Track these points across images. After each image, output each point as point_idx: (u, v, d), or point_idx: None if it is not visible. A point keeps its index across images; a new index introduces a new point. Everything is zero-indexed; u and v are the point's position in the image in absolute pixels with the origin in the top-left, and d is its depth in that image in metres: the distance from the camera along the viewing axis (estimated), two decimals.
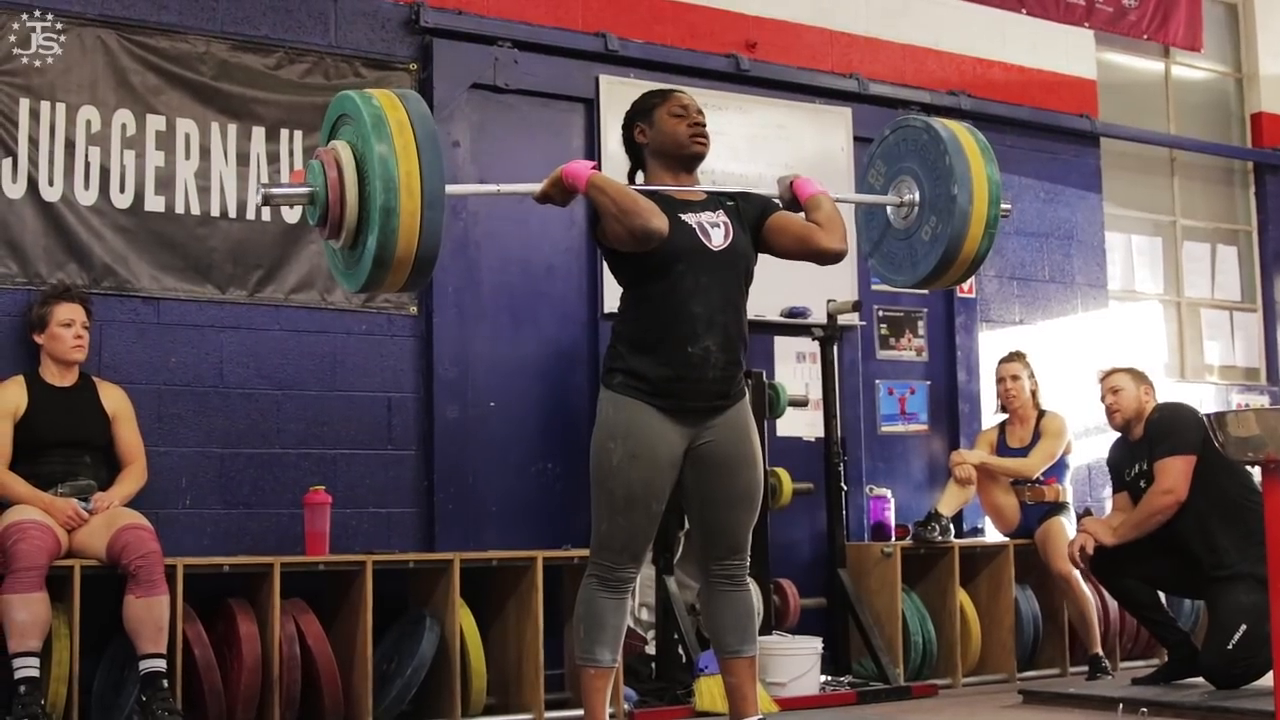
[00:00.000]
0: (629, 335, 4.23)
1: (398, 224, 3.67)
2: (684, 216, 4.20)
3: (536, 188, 4.17)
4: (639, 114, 4.37)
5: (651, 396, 4.15)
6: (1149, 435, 6.18)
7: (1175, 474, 5.97)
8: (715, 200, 4.33)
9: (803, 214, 4.36)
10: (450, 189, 3.83)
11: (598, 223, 4.16)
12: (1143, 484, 6.16)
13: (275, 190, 3.93)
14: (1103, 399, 6.39)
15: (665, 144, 4.30)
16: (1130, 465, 6.29)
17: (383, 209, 3.65)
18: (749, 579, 4.42)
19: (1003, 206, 4.56)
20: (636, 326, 4.22)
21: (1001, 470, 7.08)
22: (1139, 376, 6.38)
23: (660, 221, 4.03)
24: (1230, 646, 5.69)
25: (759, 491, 4.35)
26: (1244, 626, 5.65)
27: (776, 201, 4.42)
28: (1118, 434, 6.44)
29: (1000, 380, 7.25)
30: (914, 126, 4.69)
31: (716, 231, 4.24)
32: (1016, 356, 7.25)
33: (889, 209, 4.75)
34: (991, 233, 4.53)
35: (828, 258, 4.31)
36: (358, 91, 3.82)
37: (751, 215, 4.34)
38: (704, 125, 4.31)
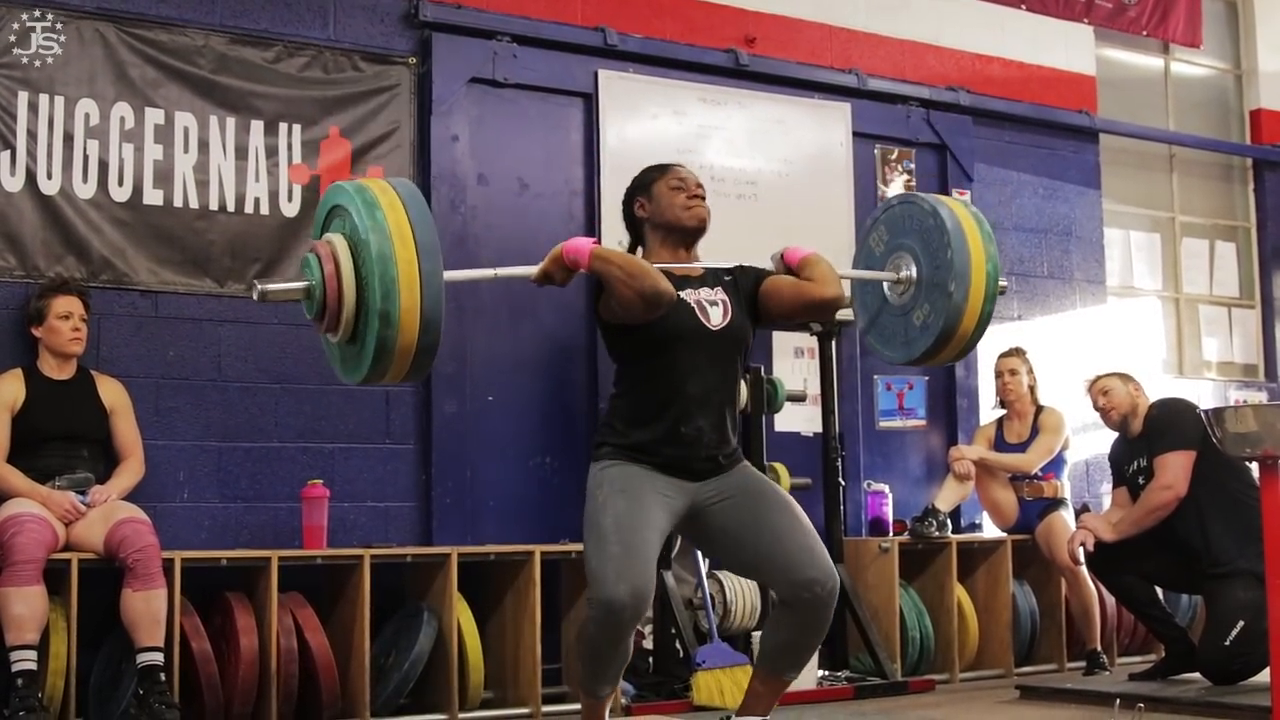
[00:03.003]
0: (623, 412, 4.17)
1: (397, 324, 3.59)
2: (683, 294, 4.14)
3: (534, 270, 4.07)
4: (639, 188, 4.32)
5: (641, 454, 4.07)
6: (1148, 431, 6.19)
7: (1175, 469, 5.97)
8: (714, 275, 4.27)
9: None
10: (448, 275, 3.73)
11: (600, 297, 4.09)
12: (1142, 480, 6.17)
13: (271, 287, 3.80)
14: (1095, 405, 6.42)
15: (665, 217, 4.23)
16: (1130, 461, 6.30)
17: (381, 315, 3.58)
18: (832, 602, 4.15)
19: (1000, 284, 4.50)
20: (631, 403, 4.16)
21: (1000, 465, 7.09)
22: (1125, 377, 6.42)
23: (668, 285, 3.96)
24: (1228, 642, 5.69)
25: (792, 504, 4.18)
26: (1241, 623, 5.65)
27: (769, 272, 4.34)
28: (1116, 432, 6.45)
29: (999, 375, 7.26)
30: (921, 207, 4.58)
31: (715, 310, 4.18)
32: (1015, 352, 7.27)
33: (885, 284, 4.67)
34: (985, 322, 4.51)
35: (827, 308, 4.24)
36: (352, 183, 3.74)
37: (748, 287, 4.27)
38: (703, 198, 4.26)
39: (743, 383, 4.27)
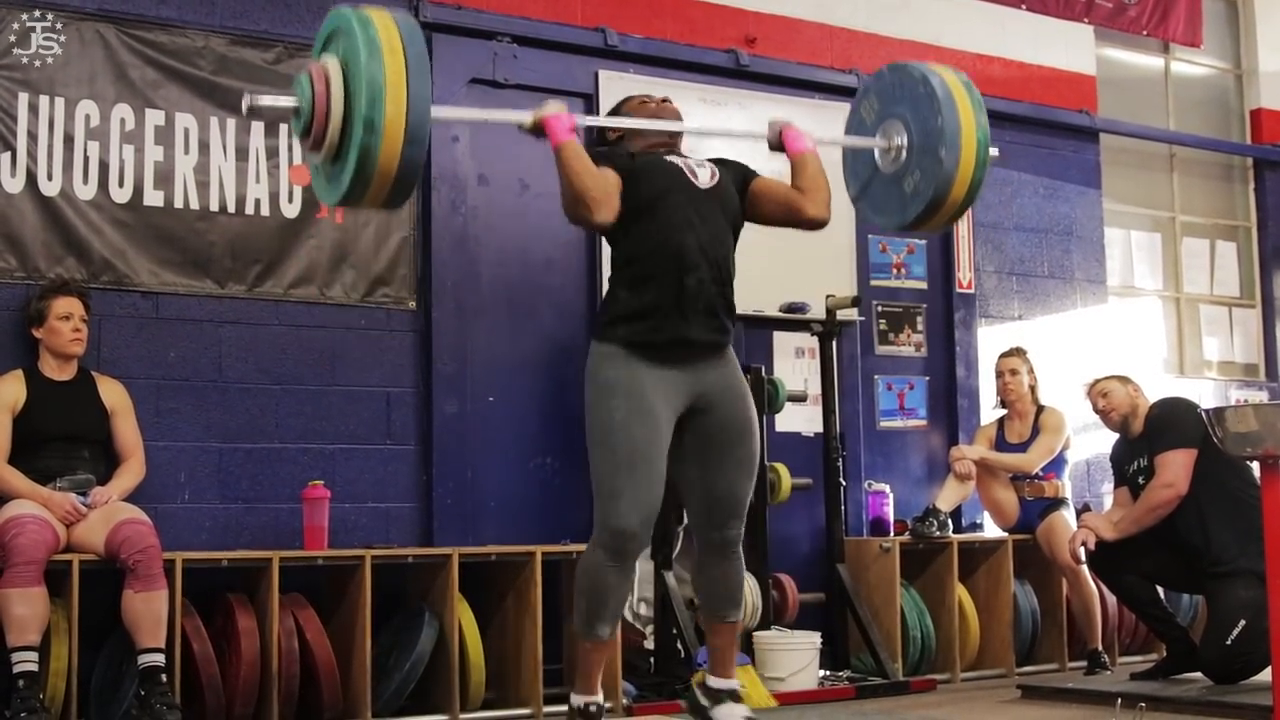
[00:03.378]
0: (624, 276, 4.34)
1: (380, 138, 3.69)
2: (669, 158, 4.41)
3: (526, 117, 4.29)
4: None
5: (647, 349, 4.21)
6: (1149, 430, 6.19)
7: (1176, 468, 5.97)
8: (698, 159, 4.52)
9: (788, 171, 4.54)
10: (435, 111, 3.85)
11: None
12: (1143, 479, 6.17)
13: (262, 101, 3.95)
14: (1095, 408, 6.43)
15: (637, 134, 4.58)
16: (1131, 461, 6.30)
17: (365, 121, 3.67)
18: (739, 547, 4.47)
19: (991, 152, 4.58)
20: (630, 265, 4.33)
21: (1001, 465, 7.09)
22: (1123, 379, 6.43)
23: (602, 217, 4.17)
24: (1229, 642, 5.69)
25: (756, 459, 4.42)
26: (1243, 622, 5.65)
27: (754, 170, 4.55)
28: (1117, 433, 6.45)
29: (999, 375, 7.27)
30: (911, 75, 4.67)
31: (703, 172, 4.42)
32: (1016, 352, 7.27)
33: (876, 152, 4.77)
34: (975, 190, 4.58)
35: (810, 226, 4.47)
36: (352, 8, 3.83)
37: (735, 179, 4.49)
38: (666, 100, 4.72)
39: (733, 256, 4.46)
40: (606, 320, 4.33)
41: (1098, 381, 6.48)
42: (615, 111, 4.72)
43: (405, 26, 3.77)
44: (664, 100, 4.68)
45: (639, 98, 4.71)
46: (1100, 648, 6.82)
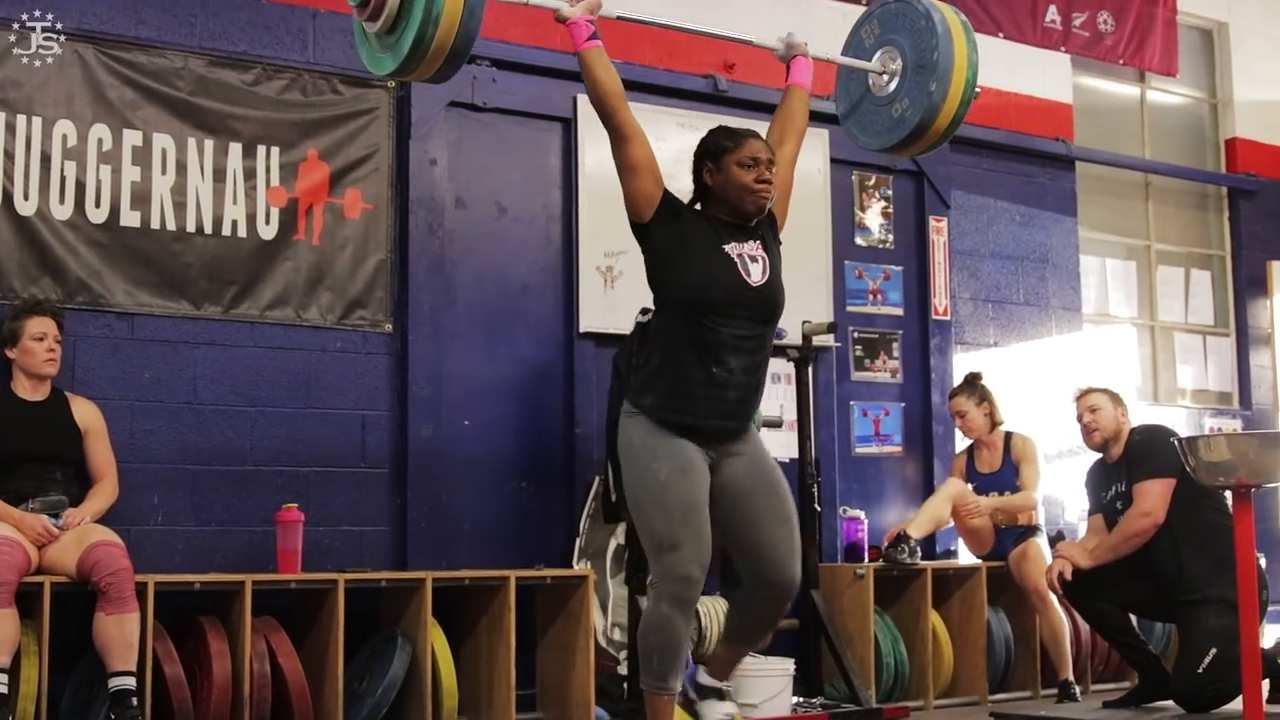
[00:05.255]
0: (662, 359, 4.30)
1: (440, 16, 3.93)
2: (727, 247, 4.30)
3: (565, 11, 4.32)
4: (709, 153, 4.42)
5: (678, 416, 4.22)
6: (1128, 457, 6.18)
7: (1154, 497, 5.97)
8: (755, 229, 4.40)
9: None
10: None
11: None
12: (1120, 505, 6.17)
13: None
14: (1079, 418, 6.36)
15: (728, 194, 4.34)
16: (1108, 488, 6.28)
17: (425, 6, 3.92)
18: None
19: (975, 90, 5.00)
20: (668, 350, 4.29)
21: (1009, 509, 7.05)
22: (1115, 398, 6.37)
23: (620, 119, 4.26)
24: (1201, 670, 5.70)
25: (791, 508, 4.39)
26: (1214, 650, 5.65)
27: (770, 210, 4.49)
28: (1094, 456, 6.43)
29: (952, 416, 7.28)
30: (915, 8, 5.00)
31: (755, 266, 4.33)
32: (962, 388, 7.24)
33: (870, 74, 5.10)
34: (957, 123, 5.06)
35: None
36: None
37: (773, 232, 4.48)
38: (771, 181, 4.35)
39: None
40: (637, 387, 4.35)
41: (1090, 393, 6.40)
42: (714, 149, 4.38)
43: None
44: (769, 170, 4.34)
45: (746, 154, 4.32)
46: (1070, 677, 6.79)
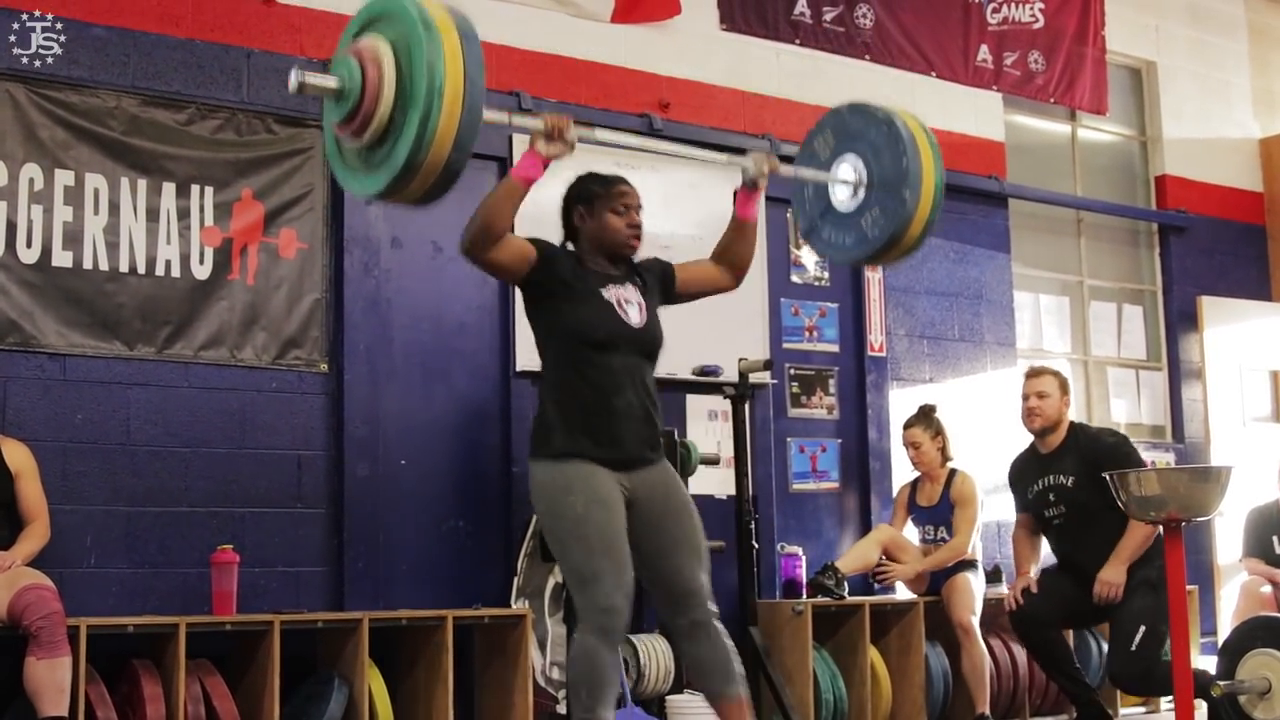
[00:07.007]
0: (559, 400, 4.34)
1: (435, 133, 3.72)
2: (604, 292, 4.38)
3: (537, 126, 4.27)
4: (580, 198, 4.51)
5: (590, 449, 4.24)
6: (1088, 455, 6.19)
7: None
8: (627, 272, 4.49)
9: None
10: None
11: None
12: (1053, 498, 6.21)
13: (310, 79, 3.90)
14: (1025, 398, 6.39)
15: (601, 238, 4.45)
16: (1039, 478, 6.31)
17: (422, 118, 3.69)
18: (716, 623, 4.41)
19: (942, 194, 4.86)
20: (564, 390, 4.33)
21: (940, 565, 7.03)
22: (1064, 385, 6.41)
23: (478, 252, 4.26)
24: (1133, 648, 5.93)
25: (702, 538, 4.43)
26: (1143, 627, 5.93)
27: (669, 262, 4.63)
28: (1026, 445, 6.51)
29: (906, 447, 7.29)
30: (875, 116, 4.88)
31: (632, 309, 4.41)
32: (917, 419, 7.23)
33: (832, 187, 4.95)
34: (930, 229, 4.84)
35: (725, 291, 4.77)
36: None
37: (654, 285, 4.55)
38: (640, 226, 4.48)
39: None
40: (543, 439, 4.34)
41: (1041, 374, 6.45)
42: (584, 194, 4.50)
43: (461, 21, 3.81)
44: (639, 215, 4.51)
45: (618, 200, 4.48)
46: (988, 713, 6.77)
